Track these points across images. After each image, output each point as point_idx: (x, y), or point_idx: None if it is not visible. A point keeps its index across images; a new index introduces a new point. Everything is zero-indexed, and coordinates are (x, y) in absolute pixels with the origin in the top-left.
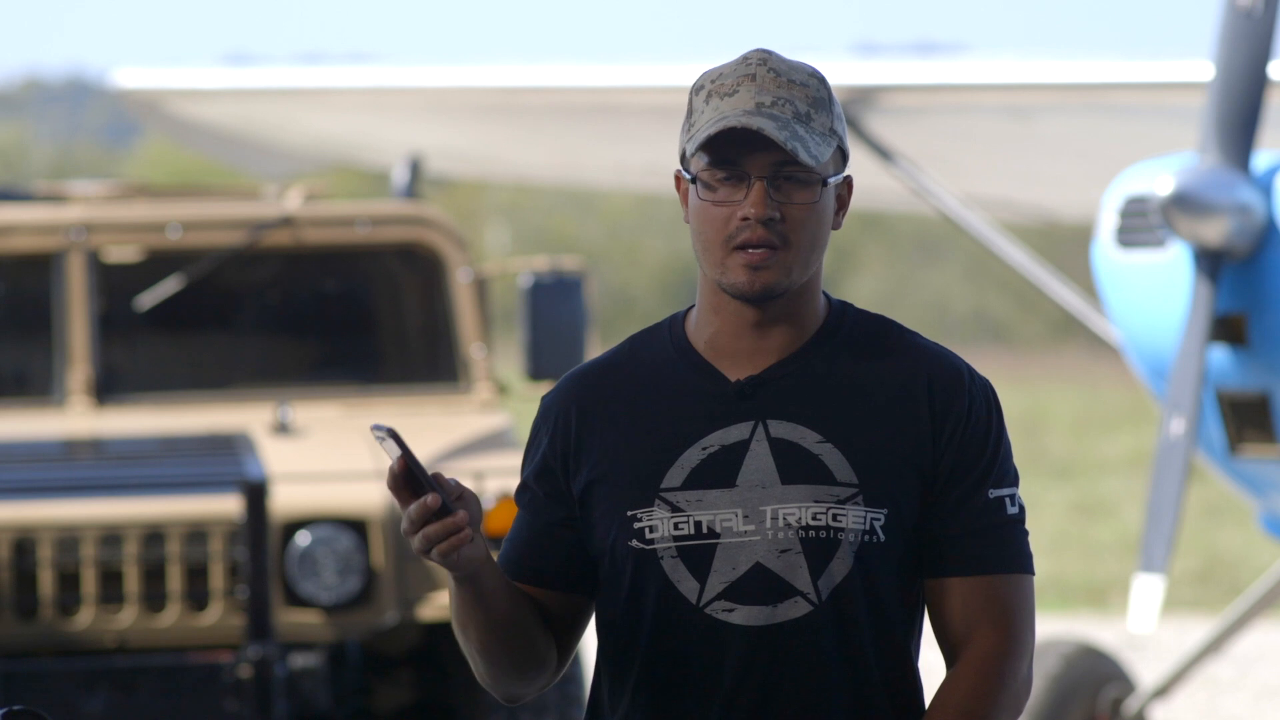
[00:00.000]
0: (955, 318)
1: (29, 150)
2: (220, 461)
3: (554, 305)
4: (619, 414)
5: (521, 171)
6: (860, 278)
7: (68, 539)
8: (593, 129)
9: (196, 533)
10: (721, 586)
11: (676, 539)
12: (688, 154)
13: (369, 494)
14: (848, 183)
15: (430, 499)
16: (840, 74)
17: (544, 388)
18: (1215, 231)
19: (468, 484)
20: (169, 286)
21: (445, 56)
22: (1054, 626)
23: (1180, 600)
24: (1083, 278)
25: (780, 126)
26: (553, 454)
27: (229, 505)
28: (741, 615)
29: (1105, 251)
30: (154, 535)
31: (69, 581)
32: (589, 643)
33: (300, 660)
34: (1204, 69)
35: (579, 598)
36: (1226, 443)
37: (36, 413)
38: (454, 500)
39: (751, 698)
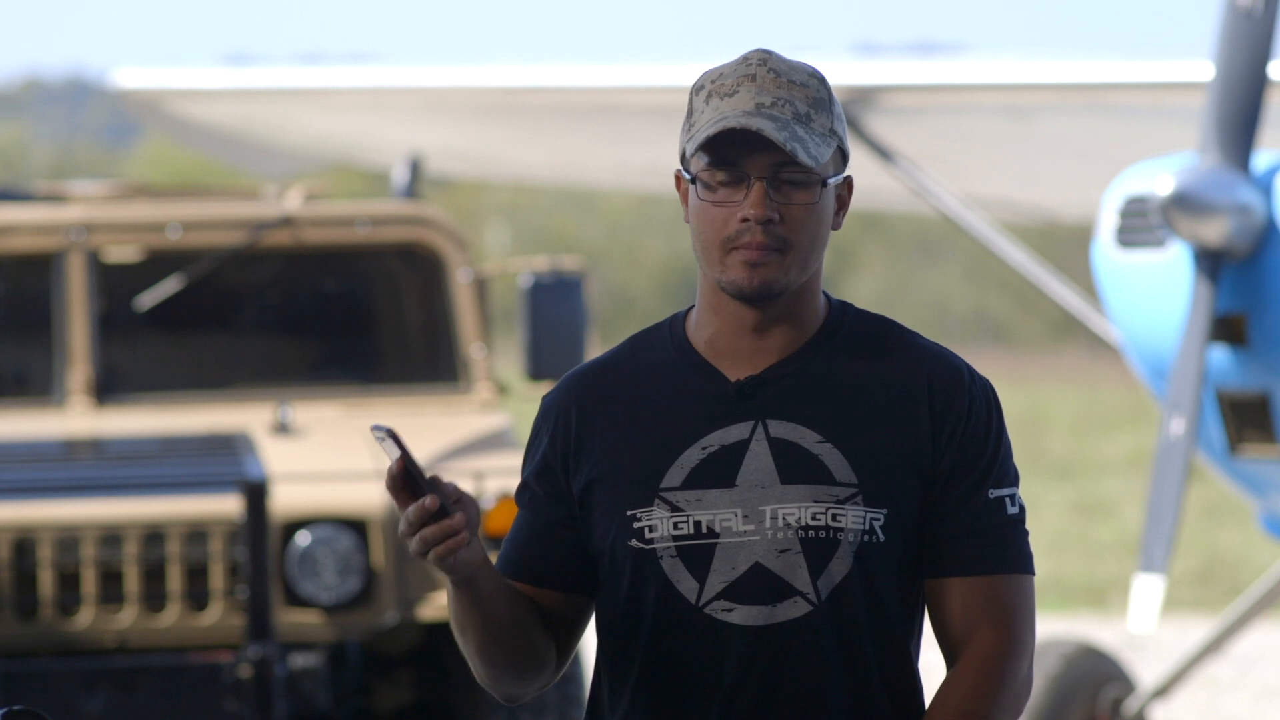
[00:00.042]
0: (955, 318)
1: (29, 150)
2: (220, 461)
3: (554, 305)
4: (619, 414)
5: (521, 171)
6: (860, 278)
7: (68, 539)
8: (593, 129)
9: (196, 533)
10: (721, 586)
11: (676, 539)
12: (687, 154)
13: (369, 494)
14: (848, 183)
15: (428, 501)
16: (840, 74)
17: (544, 388)
18: (1215, 231)
19: (467, 484)
20: (169, 286)
21: (445, 56)
22: (1054, 626)
23: (1180, 600)
24: (1083, 278)
25: (780, 127)
26: (553, 453)
27: (229, 505)
28: (741, 615)
29: (1105, 251)
30: (154, 535)
31: (69, 581)
32: (589, 643)
33: (300, 660)
34: (1204, 69)
35: (579, 598)
36: (1226, 443)
37: (36, 413)
38: (452, 503)
39: (751, 698)
